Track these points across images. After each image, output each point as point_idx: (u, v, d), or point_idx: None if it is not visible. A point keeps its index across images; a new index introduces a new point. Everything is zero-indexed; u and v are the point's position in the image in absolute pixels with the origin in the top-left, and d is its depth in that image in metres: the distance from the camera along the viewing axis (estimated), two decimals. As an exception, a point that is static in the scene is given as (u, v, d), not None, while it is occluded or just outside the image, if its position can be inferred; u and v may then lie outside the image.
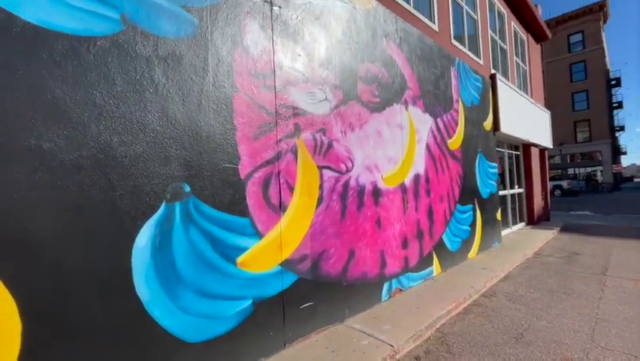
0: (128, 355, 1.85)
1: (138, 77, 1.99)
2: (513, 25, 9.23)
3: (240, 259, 2.41)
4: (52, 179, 1.65)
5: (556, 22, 33.82)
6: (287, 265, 2.74)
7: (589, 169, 33.27)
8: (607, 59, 36.81)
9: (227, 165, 2.38)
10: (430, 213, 4.62)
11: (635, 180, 74.86)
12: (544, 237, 7.60)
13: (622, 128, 38.61)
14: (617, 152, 37.79)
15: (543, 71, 12.33)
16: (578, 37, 33.29)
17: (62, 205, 1.68)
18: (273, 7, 2.80)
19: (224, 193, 2.35)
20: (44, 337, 1.59)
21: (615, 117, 37.60)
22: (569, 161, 33.89)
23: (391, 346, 2.70)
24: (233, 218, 2.39)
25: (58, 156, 1.68)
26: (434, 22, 5.50)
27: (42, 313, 1.59)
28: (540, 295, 4.06)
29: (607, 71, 35.53)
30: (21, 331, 1.54)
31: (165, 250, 2.03)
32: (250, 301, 2.46)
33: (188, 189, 2.16)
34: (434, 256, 4.63)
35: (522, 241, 7.09)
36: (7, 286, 1.50)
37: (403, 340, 2.81)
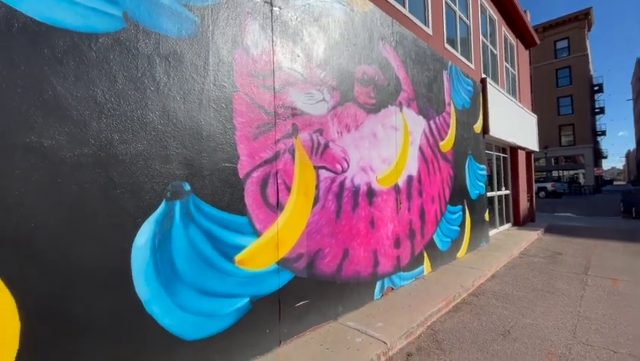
0: (126, 353, 1.86)
1: (140, 75, 1.99)
2: (504, 30, 9.45)
3: (238, 257, 2.43)
4: (52, 176, 1.64)
5: (543, 28, 34.67)
6: (283, 263, 2.77)
7: (572, 172, 34.36)
8: (590, 65, 37.92)
9: (226, 165, 2.40)
10: (422, 213, 4.72)
11: (615, 183, 77.58)
12: (529, 237, 7.83)
13: (603, 133, 39.94)
14: (598, 156, 39.04)
15: (531, 76, 12.65)
16: (564, 44, 34.23)
17: (62, 203, 1.67)
18: (273, 8, 2.81)
19: (223, 192, 2.37)
20: (43, 336, 1.59)
21: (597, 122, 38.84)
22: (553, 163, 34.85)
23: (384, 343, 2.77)
24: (232, 217, 2.41)
25: (58, 154, 1.67)
26: (428, 26, 5.60)
27: (41, 312, 1.59)
28: (525, 293, 4.20)
29: (590, 77, 36.63)
30: (20, 330, 1.53)
31: (165, 248, 2.04)
32: (247, 299, 2.49)
33: (188, 187, 2.17)
34: (425, 255, 4.74)
35: (508, 242, 7.29)
36: (6, 285, 1.50)
37: (396, 337, 2.88)
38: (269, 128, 2.71)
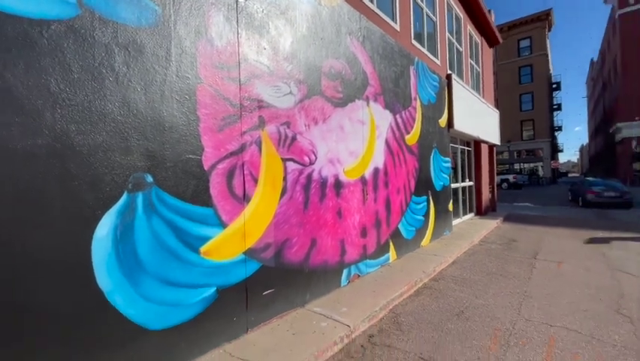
0: (89, 343, 1.86)
1: (97, 65, 1.95)
2: (469, 28, 9.85)
3: (203, 248, 2.47)
4: (3, 167, 1.60)
5: (508, 27, 36.30)
6: (250, 253, 2.84)
7: (532, 165, 36.68)
8: (550, 64, 40.29)
9: (190, 156, 2.41)
10: (388, 204, 4.93)
11: (570, 175, 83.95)
12: (489, 226, 8.37)
13: (560, 128, 42.82)
14: (555, 149, 41.86)
15: (495, 73, 13.32)
16: (526, 43, 36.08)
17: (14, 194, 1.63)
18: (239, 0, 2.81)
19: (187, 184, 2.38)
20: (3, 329, 1.57)
21: (555, 118, 41.52)
22: (515, 157, 36.97)
23: (348, 326, 2.93)
24: (197, 208, 2.43)
25: (9, 144, 1.62)
26: (396, 22, 5.76)
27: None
28: (481, 277, 4.55)
29: (549, 76, 38.95)
30: (-28, 323, 1.50)
31: (127, 239, 2.04)
32: (214, 289, 2.54)
33: (150, 179, 2.17)
34: (391, 244, 4.96)
35: (470, 230, 7.75)
36: (-45, 278, 1.46)
37: (359, 320, 3.05)
38: (234, 120, 2.73)
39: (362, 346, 2.79)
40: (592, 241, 6.71)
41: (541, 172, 35.53)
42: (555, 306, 3.51)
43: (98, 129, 1.93)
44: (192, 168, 2.41)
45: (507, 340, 2.83)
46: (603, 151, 39.19)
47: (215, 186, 2.57)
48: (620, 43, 28.35)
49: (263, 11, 3.05)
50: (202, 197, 2.47)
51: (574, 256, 5.57)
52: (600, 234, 7.38)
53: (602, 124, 40.36)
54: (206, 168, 2.51)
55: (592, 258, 5.38)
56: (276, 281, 3.06)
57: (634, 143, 27.20)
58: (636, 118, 26.86)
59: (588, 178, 15.49)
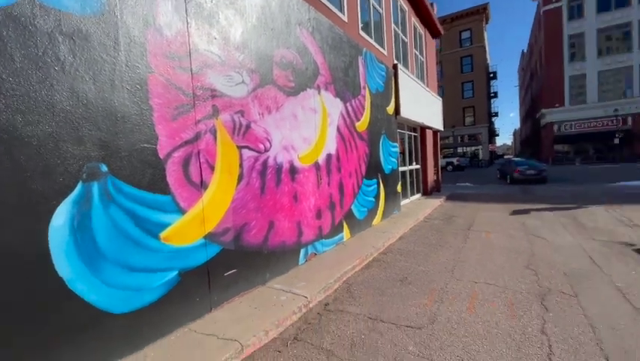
0: (53, 331, 1.92)
1: (40, 54, 1.92)
2: (413, 20, 10.44)
3: (163, 234, 2.56)
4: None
5: (451, 19, 38.53)
6: (210, 237, 2.97)
7: (473, 148, 40.02)
8: (487, 55, 43.71)
9: (145, 145, 2.46)
10: (341, 187, 5.27)
11: (505, 157, 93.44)
12: (433, 205, 9.21)
13: (496, 114, 47.11)
14: (492, 134, 46.06)
15: (440, 62, 14.29)
16: (467, 34, 38.68)
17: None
18: (186, -11, 2.83)
19: (143, 172, 2.44)
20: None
21: (492, 105, 45.48)
22: (459, 141, 40.02)
23: (305, 297, 3.22)
24: (154, 196, 2.51)
25: (-49, 136, 1.59)
26: (343, 13, 6.00)
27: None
28: (423, 248, 5.12)
29: (487, 66, 42.31)
30: None
31: (85, 228, 2.08)
32: (176, 272, 2.65)
33: (105, 168, 2.20)
34: (344, 224, 5.35)
35: (416, 209, 8.49)
36: None
37: (315, 292, 3.36)
38: (188, 109, 2.80)
39: (318, 313, 3.11)
40: (515, 212, 7.76)
41: (481, 155, 38.98)
42: (481, 267, 4.14)
43: (46, 119, 1.92)
44: (148, 157, 2.47)
45: (440, 297, 3.33)
46: (531, 135, 44.02)
47: (172, 174, 2.64)
48: (544, 38, 31.68)
49: (212, 1, 3.09)
50: (159, 185, 2.54)
51: (500, 225, 6.45)
52: (522, 206, 8.54)
53: (530, 110, 45.15)
54: (161, 156, 2.57)
55: (514, 227, 6.28)
56: (236, 263, 3.24)
57: (555, 127, 30.96)
58: (556, 105, 30.51)
59: (514, 159, 17.95)
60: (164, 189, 2.58)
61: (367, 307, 3.16)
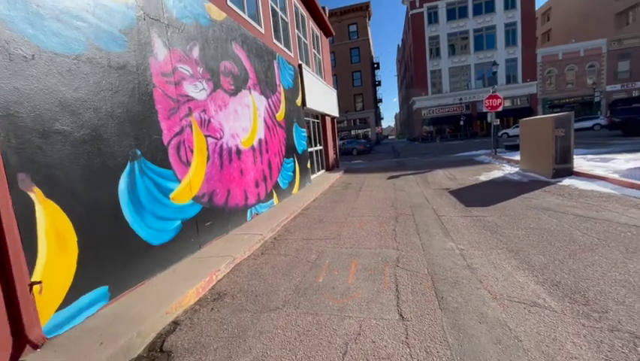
0: (126, 253, 3.15)
1: (103, 82, 3.02)
2: (311, 24, 12.38)
3: (171, 195, 3.85)
4: (72, 148, 2.68)
5: (340, 12, 42.34)
6: (195, 199, 4.33)
7: (364, 130, 45.86)
8: (372, 47, 49.78)
9: (156, 137, 3.68)
10: (270, 164, 6.93)
11: (390, 137, 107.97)
12: (335, 177, 11.67)
13: (381, 100, 54.40)
14: (378, 118, 53.32)
15: (333, 52, 16.70)
16: (354, 28, 43.24)
17: (82, 170, 2.74)
18: (168, 27, 4.00)
19: (157, 155, 3.67)
20: (85, 244, 2.75)
21: (377, 92, 52.38)
22: (352, 124, 45.23)
23: (261, 235, 4.90)
24: (165, 170, 3.77)
25: (70, 136, 2.70)
26: (261, 26, 7.44)
27: (84, 230, 2.73)
28: (331, 204, 7.30)
29: (372, 57, 48.30)
30: (77, 241, 2.67)
31: (134, 190, 3.30)
32: (180, 221, 3.98)
33: (139, 152, 3.40)
34: (274, 192, 7.07)
35: (323, 181, 10.75)
36: (64, 211, 2.59)
37: (266, 232, 5.07)
38: (175, 110, 4.04)
39: (271, 242, 4.85)
40: (390, 177, 10.81)
41: (370, 136, 45.13)
42: (366, 209, 6.50)
43: (112, 123, 3.07)
44: (158, 144, 3.70)
45: (342, 225, 5.46)
46: (407, 118, 52.81)
47: (172, 155, 3.91)
48: (412, 37, 38.31)
49: (180, 34, 4.29)
50: (166, 163, 3.80)
51: (379, 186, 9.19)
52: (395, 173, 11.75)
53: (405, 97, 53.84)
54: (165, 143, 3.81)
55: (388, 186, 9.09)
56: (211, 217, 4.66)
57: (423, 112, 38.41)
58: (423, 94, 37.80)
59: (353, 140, 25.31)
60: (169, 166, 3.85)
61: (301, 235, 5.06)
